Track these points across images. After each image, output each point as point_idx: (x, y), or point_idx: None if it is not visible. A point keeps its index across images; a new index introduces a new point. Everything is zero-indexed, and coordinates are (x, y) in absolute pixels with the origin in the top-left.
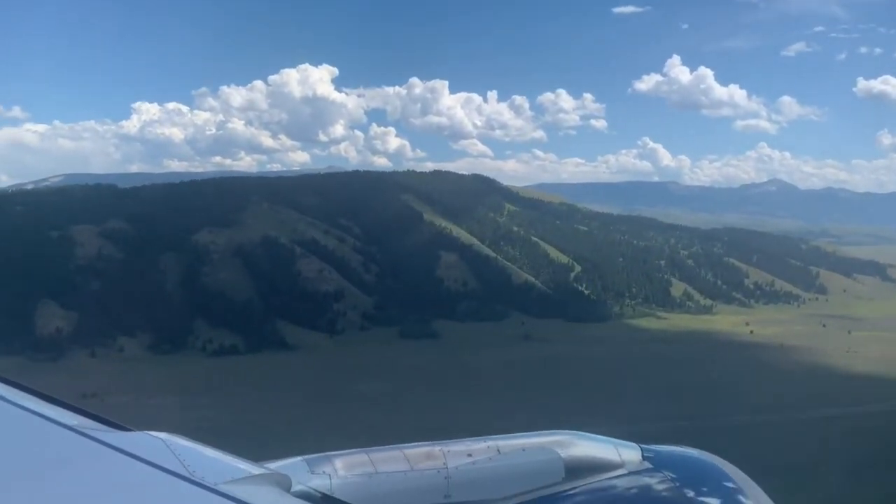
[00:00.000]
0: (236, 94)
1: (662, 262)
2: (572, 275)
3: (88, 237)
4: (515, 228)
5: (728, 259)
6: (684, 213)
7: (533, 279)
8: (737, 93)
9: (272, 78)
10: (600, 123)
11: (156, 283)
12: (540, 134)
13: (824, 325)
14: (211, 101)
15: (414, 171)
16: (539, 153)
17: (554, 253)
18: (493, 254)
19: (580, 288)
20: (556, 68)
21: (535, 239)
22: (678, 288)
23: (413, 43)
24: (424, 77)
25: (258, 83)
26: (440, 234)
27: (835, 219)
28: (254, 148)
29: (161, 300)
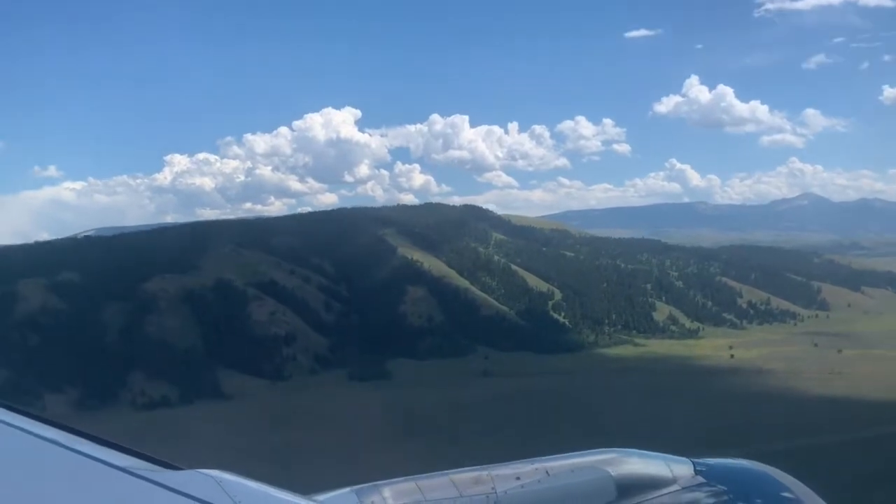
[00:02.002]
0: (263, 141)
1: (649, 286)
2: (550, 303)
3: (34, 291)
4: (497, 258)
5: (721, 279)
6: (712, 233)
7: (506, 310)
8: (759, 108)
9: (296, 123)
10: (623, 148)
11: (95, 335)
12: (563, 161)
13: (816, 345)
14: (238, 150)
15: (405, 206)
16: (565, 181)
17: (534, 281)
18: (466, 285)
19: (556, 317)
20: (574, 96)
21: (516, 268)
22: (662, 312)
23: (432, 81)
24: (445, 113)
25: (283, 129)
26: (410, 267)
27: (870, 229)
28: (282, 192)
29: (98, 353)
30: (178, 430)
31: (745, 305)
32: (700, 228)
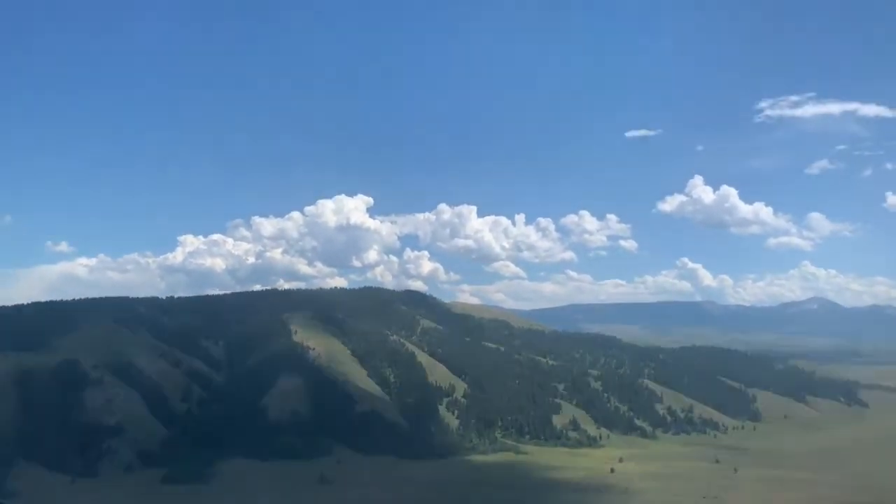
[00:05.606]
0: (274, 225)
1: (562, 386)
2: (447, 401)
3: None
4: (407, 347)
5: (644, 381)
6: (715, 334)
7: (388, 405)
8: (762, 210)
9: (308, 209)
10: (629, 244)
11: None
12: (569, 255)
13: (717, 461)
14: (248, 232)
15: (344, 289)
16: (573, 274)
17: (441, 373)
18: (349, 375)
19: (445, 416)
20: (576, 192)
21: (423, 358)
22: (566, 416)
23: (441, 170)
24: (452, 202)
25: (295, 214)
26: (292, 354)
27: (878, 336)
28: (291, 275)
29: None
30: None
31: (663, 412)
32: (704, 328)
